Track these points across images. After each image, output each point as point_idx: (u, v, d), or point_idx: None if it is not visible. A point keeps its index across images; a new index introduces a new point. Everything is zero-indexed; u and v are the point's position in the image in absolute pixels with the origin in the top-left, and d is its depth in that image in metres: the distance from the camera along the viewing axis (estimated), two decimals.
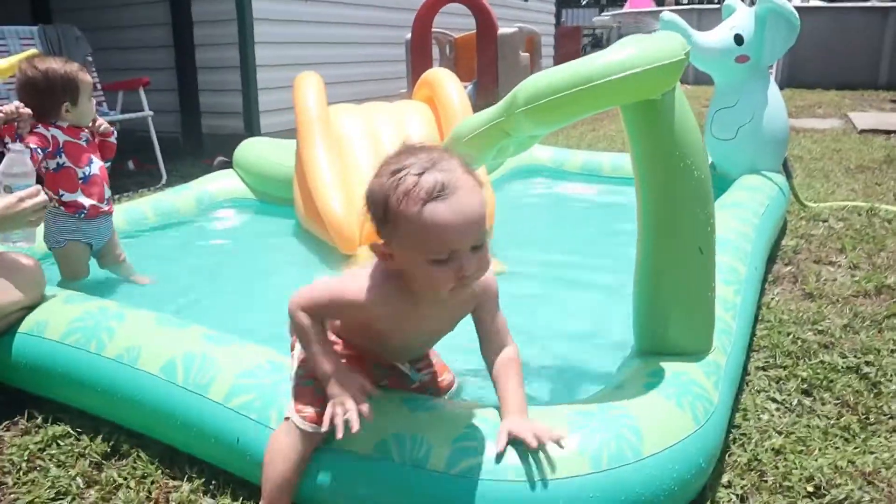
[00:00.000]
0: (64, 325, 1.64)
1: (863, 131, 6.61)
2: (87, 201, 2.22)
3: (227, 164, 5.24)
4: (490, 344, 1.30)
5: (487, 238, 1.15)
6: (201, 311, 2.11)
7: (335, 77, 6.53)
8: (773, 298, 2.37)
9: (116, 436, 1.57)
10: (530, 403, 1.26)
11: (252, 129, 5.68)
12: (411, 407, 1.29)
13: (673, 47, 1.22)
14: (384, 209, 1.13)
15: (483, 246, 1.14)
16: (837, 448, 1.55)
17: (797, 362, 1.93)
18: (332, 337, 1.36)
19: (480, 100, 6.24)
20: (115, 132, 2.40)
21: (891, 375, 1.85)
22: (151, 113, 4.69)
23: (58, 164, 2.16)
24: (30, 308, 1.74)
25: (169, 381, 1.43)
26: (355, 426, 1.16)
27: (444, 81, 3.12)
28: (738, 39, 3.15)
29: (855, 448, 1.54)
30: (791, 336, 2.08)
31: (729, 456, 1.52)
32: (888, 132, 6.49)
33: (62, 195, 2.19)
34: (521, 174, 3.98)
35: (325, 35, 6.43)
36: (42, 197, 1.75)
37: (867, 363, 1.93)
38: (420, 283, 1.17)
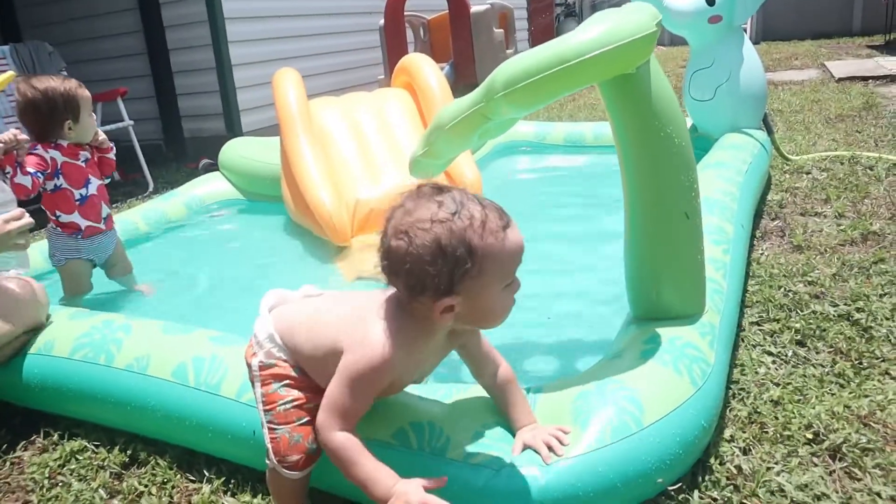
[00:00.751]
0: (71, 341, 1.67)
1: (840, 79, 6.65)
2: (83, 222, 2.24)
3: (213, 166, 5.25)
4: (484, 368, 1.28)
5: None
6: (205, 316, 2.13)
7: (312, 69, 6.53)
8: (762, 253, 2.42)
9: (133, 445, 1.61)
10: (537, 378, 1.29)
11: (233, 129, 5.67)
12: (429, 399, 1.33)
13: (644, 20, 1.25)
14: (468, 250, 1.05)
15: None
16: (833, 394, 1.59)
17: (790, 314, 1.98)
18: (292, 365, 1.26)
19: (458, 80, 6.26)
20: (114, 147, 2.40)
21: (881, 320, 1.90)
22: (132, 122, 4.69)
23: (55, 185, 2.18)
24: (37, 330, 1.77)
25: (181, 384, 1.46)
26: None
27: (422, 67, 3.14)
28: (710, 0, 3.17)
29: (850, 393, 1.59)
30: (782, 289, 2.13)
31: (730, 411, 1.56)
32: (865, 78, 6.53)
33: (59, 216, 2.22)
34: (505, 150, 4.01)
35: (299, 28, 6.40)
36: (26, 219, 1.75)
37: (858, 310, 1.97)
38: (487, 317, 1.14)
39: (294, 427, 1.22)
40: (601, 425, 1.23)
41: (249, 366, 1.29)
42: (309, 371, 1.25)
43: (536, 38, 14.27)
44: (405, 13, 6.40)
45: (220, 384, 1.43)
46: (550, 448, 1.21)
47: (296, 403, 1.23)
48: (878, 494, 1.29)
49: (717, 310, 1.59)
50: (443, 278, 1.06)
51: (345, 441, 1.12)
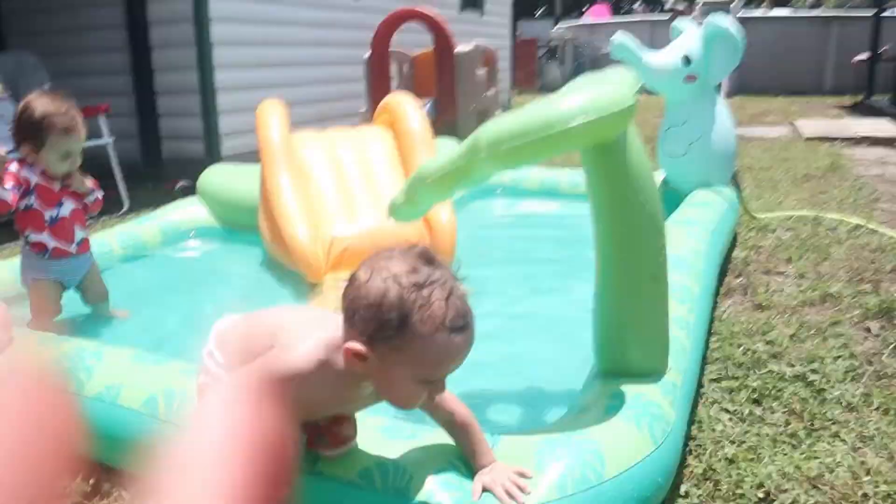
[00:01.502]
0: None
1: (808, 139, 6.86)
2: (51, 242, 2.24)
3: (189, 189, 5.26)
4: (437, 415, 1.29)
5: None
6: (177, 346, 2.15)
7: (296, 97, 6.56)
8: (725, 311, 2.50)
9: (96, 475, 1.61)
10: (502, 429, 1.33)
11: (213, 152, 5.70)
12: (398, 441, 1.36)
13: (625, 92, 1.31)
14: (400, 321, 1.06)
15: None
16: (785, 454, 1.65)
17: (748, 373, 2.04)
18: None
19: (440, 116, 6.34)
20: (97, 195, 2.37)
21: (833, 382, 1.98)
22: (112, 139, 4.70)
23: (26, 204, 2.19)
24: None
25: (152, 416, 1.48)
26: None
27: (405, 108, 3.20)
28: (686, 60, 3.29)
29: (801, 454, 1.65)
30: (742, 347, 2.20)
31: (686, 467, 1.62)
32: (832, 139, 6.74)
33: (28, 235, 2.22)
34: (480, 193, 4.07)
35: (285, 56, 6.48)
36: None
37: (812, 371, 2.05)
38: (392, 394, 1.16)
39: None
40: (562, 475, 1.27)
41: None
42: None
43: (519, 80, 14.52)
44: (391, 48, 6.49)
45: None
46: (511, 494, 1.23)
47: None
48: None
49: (680, 369, 1.65)
50: (368, 326, 1.08)
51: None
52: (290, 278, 2.74)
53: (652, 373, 1.57)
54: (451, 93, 6.36)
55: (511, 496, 1.22)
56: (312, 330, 1.18)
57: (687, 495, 1.53)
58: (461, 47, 6.36)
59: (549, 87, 16.34)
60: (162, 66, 5.73)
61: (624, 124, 1.33)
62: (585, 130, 1.25)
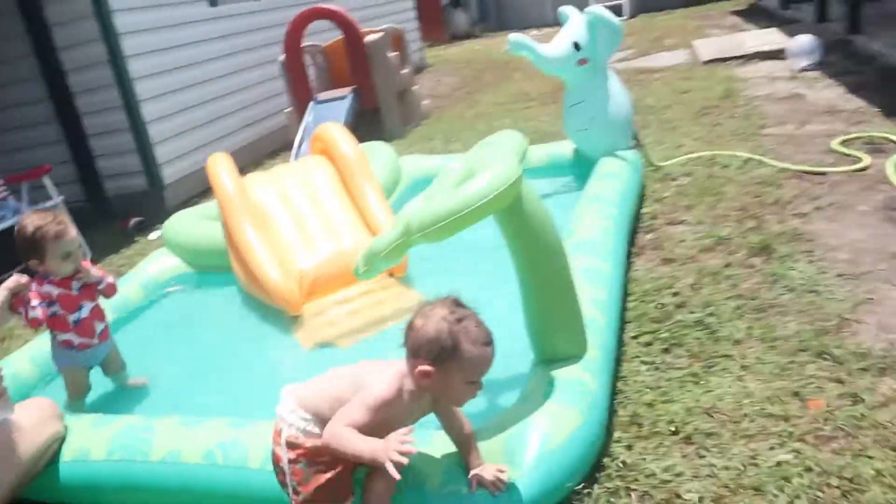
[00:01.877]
0: (105, 447, 2.07)
1: (706, 62, 7.38)
2: (77, 339, 2.60)
3: (143, 223, 5.54)
4: (451, 426, 1.76)
5: None
6: (198, 400, 2.56)
7: (224, 109, 6.88)
8: (638, 270, 2.99)
9: None
10: (473, 417, 1.79)
11: (155, 183, 5.96)
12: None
13: (513, 167, 1.75)
14: (454, 346, 1.58)
15: None
16: (689, 391, 2.16)
17: (660, 326, 2.54)
18: (318, 436, 1.68)
19: (363, 106, 6.69)
20: (107, 281, 2.66)
21: (724, 322, 2.49)
22: (61, 198, 4.95)
23: (53, 312, 2.53)
24: (62, 439, 2.16)
25: (212, 464, 1.91)
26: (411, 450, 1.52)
27: (336, 137, 3.58)
28: (577, 46, 3.71)
29: (700, 390, 2.15)
30: (654, 303, 2.69)
31: (616, 417, 2.11)
32: (726, 59, 7.27)
33: (56, 335, 2.58)
34: (416, 187, 4.44)
35: (206, 73, 6.70)
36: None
37: (709, 314, 2.55)
38: (452, 397, 1.66)
39: (319, 496, 1.66)
40: (524, 458, 1.75)
41: (276, 440, 1.71)
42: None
43: (427, 33, 14.70)
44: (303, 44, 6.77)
45: (246, 460, 1.88)
46: (495, 484, 1.71)
47: (324, 485, 1.66)
48: (714, 465, 1.86)
49: (598, 345, 2.13)
50: (432, 353, 1.58)
51: (345, 429, 1.59)
52: (272, 312, 3.13)
53: (576, 356, 2.05)
54: (368, 81, 6.68)
55: (495, 485, 1.70)
56: (383, 371, 1.67)
57: (619, 440, 2.02)
58: (370, 36, 6.66)
59: (458, 35, 16.60)
60: (88, 110, 5.91)
61: (517, 189, 1.77)
62: (489, 205, 1.70)
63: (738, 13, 11.58)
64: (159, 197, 6.01)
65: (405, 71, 7.16)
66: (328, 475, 1.67)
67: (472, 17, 17.08)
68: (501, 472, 1.72)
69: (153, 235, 5.21)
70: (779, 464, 1.83)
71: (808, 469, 1.79)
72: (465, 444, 1.77)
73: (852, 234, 3.04)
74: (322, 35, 7.39)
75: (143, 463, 2.00)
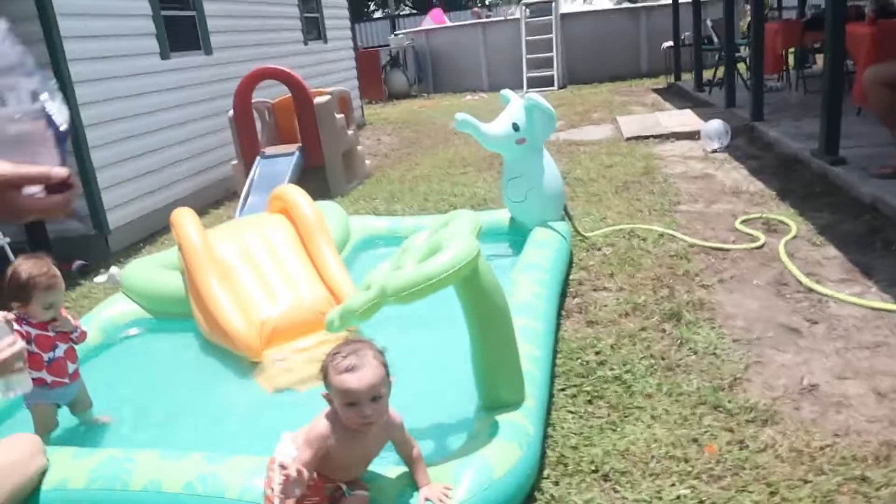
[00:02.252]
0: (84, 475, 2.29)
1: (628, 139, 8.03)
2: (49, 378, 2.79)
3: (86, 267, 5.68)
4: (404, 449, 2.09)
5: (385, 395, 1.94)
6: (167, 435, 2.78)
7: (172, 158, 7.11)
8: (566, 331, 3.38)
9: None
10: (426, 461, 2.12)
11: (101, 227, 6.11)
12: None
13: (472, 244, 2.13)
14: (325, 375, 1.95)
15: (380, 399, 1.93)
16: (608, 438, 2.53)
17: (584, 380, 2.93)
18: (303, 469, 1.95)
19: (308, 163, 7.02)
20: (81, 329, 2.88)
21: (638, 378, 2.89)
22: (7, 240, 5.07)
23: (29, 351, 2.73)
24: (45, 472, 2.36)
25: (194, 495, 2.15)
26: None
27: (296, 198, 3.91)
28: (516, 127, 4.16)
29: (616, 436, 2.53)
30: (579, 360, 3.08)
31: (546, 458, 2.46)
32: (646, 137, 7.94)
33: (30, 373, 2.76)
34: (363, 245, 4.80)
35: (156, 123, 6.94)
36: (19, 344, 2.01)
37: (626, 371, 2.96)
38: (345, 419, 1.92)
39: None
40: (471, 482, 2.08)
41: (269, 465, 1.94)
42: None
43: (367, 92, 15.20)
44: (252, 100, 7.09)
45: (224, 492, 2.14)
46: (441, 501, 2.03)
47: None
48: (627, 498, 2.22)
49: (533, 395, 2.49)
50: (323, 382, 1.96)
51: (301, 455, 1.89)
52: (230, 358, 3.38)
53: (516, 402, 2.41)
54: (315, 140, 7.03)
55: (442, 501, 2.02)
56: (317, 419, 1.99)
57: (548, 476, 2.37)
58: (319, 98, 7.03)
59: (397, 95, 17.18)
60: None
61: (476, 263, 2.14)
62: (454, 275, 2.06)
63: (658, 91, 12.50)
64: (103, 242, 6.16)
65: (350, 132, 7.55)
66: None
67: (411, 78, 17.73)
68: (447, 489, 2.04)
69: (99, 279, 5.35)
70: (678, 497, 2.21)
71: (701, 501, 2.18)
72: (415, 465, 2.10)
73: (748, 304, 3.53)
74: (270, 90, 7.72)
75: (122, 492, 2.22)
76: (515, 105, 4.24)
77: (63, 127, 1.21)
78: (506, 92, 4.44)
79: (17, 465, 2.28)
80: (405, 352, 3.14)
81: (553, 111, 4.14)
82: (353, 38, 13.95)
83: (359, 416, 1.91)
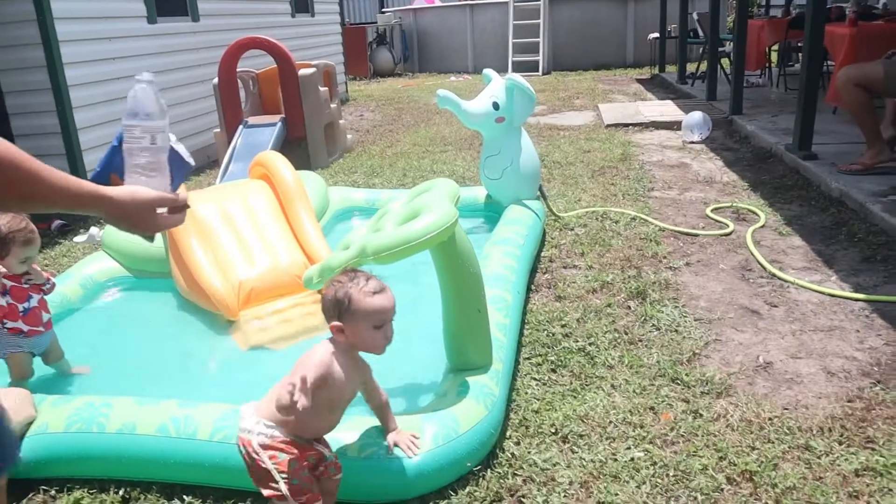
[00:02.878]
0: (63, 420, 2.36)
1: (608, 126, 8.14)
2: (25, 327, 2.85)
3: (66, 227, 5.70)
4: (373, 397, 2.14)
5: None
6: (143, 386, 2.85)
7: None
8: (534, 304, 3.49)
9: (123, 489, 2.32)
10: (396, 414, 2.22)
11: None
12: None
13: (451, 210, 2.22)
14: (348, 299, 1.88)
15: (391, 322, 1.97)
16: (568, 403, 2.65)
17: (549, 350, 3.04)
18: (283, 438, 1.89)
19: (290, 134, 7.05)
20: (52, 282, 2.94)
21: (601, 350, 3.01)
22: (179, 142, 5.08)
23: (5, 301, 2.79)
24: (33, 421, 2.42)
25: (166, 437, 2.24)
26: None
27: (277, 164, 3.97)
28: (496, 106, 4.25)
29: (577, 402, 2.65)
30: (545, 332, 3.19)
31: (509, 420, 2.57)
32: (626, 125, 8.05)
33: (6, 323, 2.83)
34: (342, 215, 4.88)
35: None
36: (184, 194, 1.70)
37: (590, 344, 3.07)
38: (367, 343, 1.91)
39: (302, 477, 1.92)
40: (435, 433, 2.19)
41: (249, 449, 1.88)
42: (302, 420, 1.86)
43: (352, 69, 15.17)
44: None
45: (196, 433, 2.23)
46: (408, 446, 2.14)
47: (297, 462, 1.91)
48: (584, 458, 2.34)
49: (500, 359, 2.60)
50: (335, 311, 1.90)
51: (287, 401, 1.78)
52: (206, 316, 3.46)
53: (483, 366, 2.52)
54: (298, 112, 7.06)
55: (409, 447, 2.13)
56: (312, 351, 1.92)
57: (510, 437, 2.48)
58: (304, 71, 7.05)
59: (381, 72, 17.16)
60: (18, 111, 6.05)
61: (453, 229, 2.24)
62: (432, 239, 2.16)
63: (641, 81, 12.62)
64: None
65: (333, 105, 7.58)
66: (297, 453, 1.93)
67: (396, 56, 17.71)
68: (415, 437, 2.15)
69: (78, 239, 5.37)
70: (632, 459, 2.33)
71: (654, 463, 2.30)
72: (384, 412, 2.17)
73: (711, 286, 3.66)
74: (256, 61, 7.73)
75: (99, 434, 2.30)
76: (497, 84, 4.32)
77: (191, 162, 1.71)
78: (488, 71, 4.53)
79: (13, 412, 2.35)
80: None
81: (533, 92, 4.23)
82: (341, 14, 13.93)
83: (384, 336, 1.93)
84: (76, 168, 6.07)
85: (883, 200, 4.61)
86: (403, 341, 3.04)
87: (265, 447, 1.89)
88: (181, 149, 1.67)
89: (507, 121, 4.27)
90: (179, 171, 1.65)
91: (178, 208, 1.60)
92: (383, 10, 20.47)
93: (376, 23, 18.42)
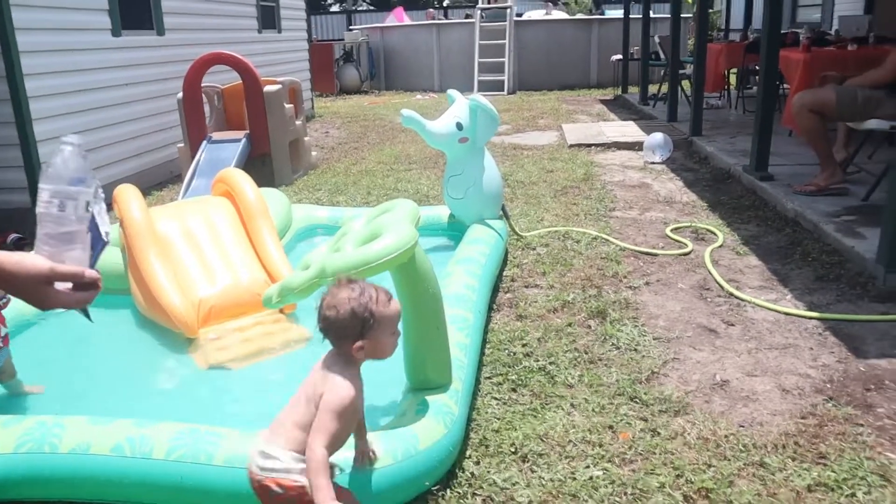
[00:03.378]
0: (13, 440, 2.30)
1: (571, 146, 8.24)
2: None
3: (22, 241, 5.59)
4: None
5: None
6: (99, 405, 2.80)
7: (117, 136, 7.03)
8: (496, 323, 3.51)
9: None
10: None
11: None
12: None
13: (410, 232, 2.23)
14: (371, 314, 1.84)
15: None
16: (529, 422, 2.66)
17: (509, 370, 3.05)
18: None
19: (254, 150, 7.02)
20: (6, 299, 2.88)
21: (562, 369, 3.03)
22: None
23: None
24: None
25: (122, 457, 2.20)
26: None
27: (240, 181, 3.95)
28: (459, 126, 4.28)
29: (537, 421, 2.67)
30: (506, 351, 3.21)
31: (469, 439, 2.57)
32: (589, 145, 8.16)
33: None
34: (304, 234, 4.85)
35: (103, 100, 6.86)
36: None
37: (550, 363, 3.10)
38: (384, 352, 1.92)
39: None
40: (395, 450, 2.18)
41: (292, 492, 1.80)
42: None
43: (319, 85, 15.17)
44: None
45: (151, 452, 2.19)
46: (370, 463, 2.13)
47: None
48: (543, 477, 2.35)
49: (461, 378, 2.61)
50: (356, 330, 1.84)
51: (325, 456, 1.74)
52: (167, 334, 3.41)
53: (443, 385, 2.52)
54: (262, 128, 7.04)
55: (362, 458, 2.12)
56: (326, 374, 1.87)
57: (470, 456, 2.48)
58: (269, 87, 7.04)
59: (348, 90, 17.18)
60: None
61: (413, 251, 2.25)
62: (392, 260, 2.17)
63: (604, 102, 12.81)
64: None
65: (298, 122, 7.57)
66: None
67: (363, 74, 17.74)
68: (373, 452, 2.14)
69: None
70: (591, 477, 2.35)
71: (612, 482, 2.33)
72: (359, 431, 2.12)
73: (670, 305, 3.72)
74: (221, 76, 7.70)
75: (51, 455, 2.24)
76: (460, 104, 4.36)
77: (107, 237, 1.46)
78: (452, 91, 4.56)
79: None
80: None
81: (496, 113, 4.27)
82: (308, 30, 13.94)
83: (396, 340, 1.96)
84: (34, 182, 5.96)
85: (836, 221, 4.74)
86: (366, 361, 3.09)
87: (288, 487, 1.80)
88: (102, 221, 1.46)
89: (471, 141, 4.31)
90: (95, 245, 1.45)
91: (85, 285, 1.39)
92: (350, 27, 20.51)
93: (343, 40, 18.44)
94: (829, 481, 2.35)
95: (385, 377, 2.77)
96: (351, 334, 1.86)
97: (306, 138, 7.81)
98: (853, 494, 2.29)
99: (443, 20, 17.52)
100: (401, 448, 2.20)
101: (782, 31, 11.03)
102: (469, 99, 4.30)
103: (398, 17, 20.15)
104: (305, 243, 4.78)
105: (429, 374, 2.52)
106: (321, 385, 1.85)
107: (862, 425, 2.67)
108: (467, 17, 18.55)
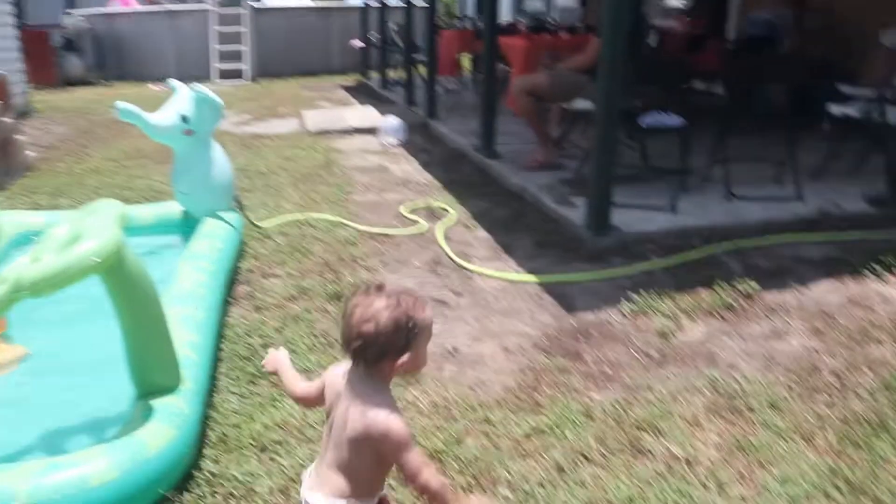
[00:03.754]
0: None
1: (312, 133, 8.25)
2: None
3: None
4: None
5: None
6: None
7: None
8: (233, 317, 3.46)
9: None
10: (73, 444, 2.08)
11: None
12: None
13: (114, 235, 2.12)
14: (414, 322, 1.54)
15: None
16: (268, 413, 2.67)
17: (247, 363, 3.03)
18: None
19: None
20: None
21: (300, 356, 3.07)
22: None
23: None
24: None
25: None
26: None
27: None
28: (184, 118, 4.11)
29: (276, 411, 2.68)
30: (244, 344, 3.18)
31: (207, 438, 2.53)
32: (329, 131, 8.23)
33: None
34: (18, 243, 4.40)
35: None
36: None
37: (290, 351, 3.10)
38: (423, 362, 1.61)
39: None
40: (120, 461, 2.09)
41: None
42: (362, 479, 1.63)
43: (35, 77, 13.73)
44: None
45: None
46: None
47: None
48: (283, 465, 2.38)
49: (192, 378, 2.55)
50: (401, 343, 1.54)
51: (439, 480, 1.59)
52: None
53: (171, 387, 2.45)
54: None
55: None
56: (367, 412, 1.58)
57: (208, 456, 2.44)
58: None
59: (73, 81, 15.71)
60: None
61: (119, 253, 2.15)
62: (95, 266, 2.05)
63: (346, 88, 12.95)
64: None
65: (8, 120, 6.82)
66: None
67: (89, 63, 16.29)
68: None
69: None
70: None
71: None
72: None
73: (405, 282, 3.90)
74: None
75: None
76: (182, 95, 4.19)
77: None
78: (173, 82, 4.37)
79: None
80: (53, 354, 3.05)
81: (220, 102, 4.16)
82: (19, 14, 12.48)
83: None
84: None
85: (552, 193, 5.24)
86: (91, 374, 2.91)
87: None
88: None
89: (197, 133, 4.17)
90: None
91: None
92: (68, 10, 18.65)
93: (60, 25, 16.75)
94: (543, 426, 2.63)
95: (115, 388, 2.65)
96: (394, 349, 1.56)
97: (19, 137, 7.05)
98: (563, 434, 2.58)
99: (173, 6, 16.56)
100: (128, 458, 2.11)
101: (510, 21, 11.90)
102: (192, 90, 4.15)
103: (123, 2, 18.71)
104: (21, 254, 4.33)
105: (155, 378, 2.43)
106: (359, 421, 1.59)
107: (571, 373, 3.02)
108: (200, 1, 17.71)
